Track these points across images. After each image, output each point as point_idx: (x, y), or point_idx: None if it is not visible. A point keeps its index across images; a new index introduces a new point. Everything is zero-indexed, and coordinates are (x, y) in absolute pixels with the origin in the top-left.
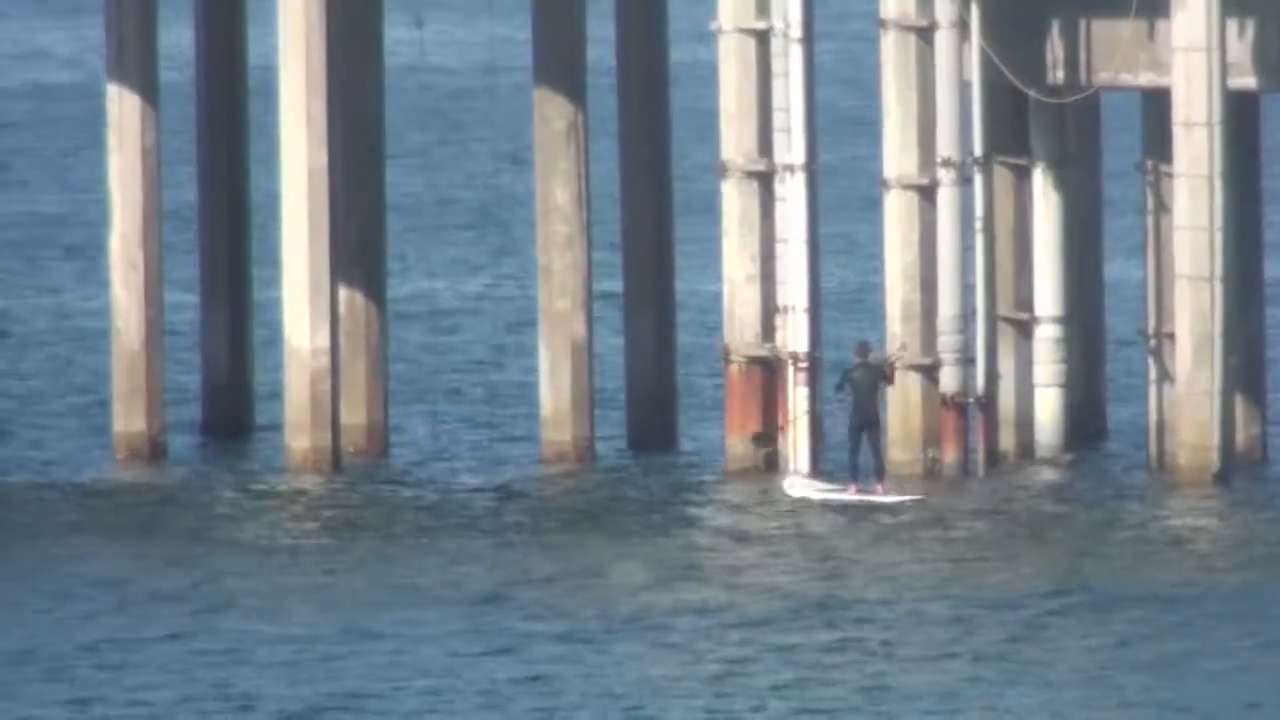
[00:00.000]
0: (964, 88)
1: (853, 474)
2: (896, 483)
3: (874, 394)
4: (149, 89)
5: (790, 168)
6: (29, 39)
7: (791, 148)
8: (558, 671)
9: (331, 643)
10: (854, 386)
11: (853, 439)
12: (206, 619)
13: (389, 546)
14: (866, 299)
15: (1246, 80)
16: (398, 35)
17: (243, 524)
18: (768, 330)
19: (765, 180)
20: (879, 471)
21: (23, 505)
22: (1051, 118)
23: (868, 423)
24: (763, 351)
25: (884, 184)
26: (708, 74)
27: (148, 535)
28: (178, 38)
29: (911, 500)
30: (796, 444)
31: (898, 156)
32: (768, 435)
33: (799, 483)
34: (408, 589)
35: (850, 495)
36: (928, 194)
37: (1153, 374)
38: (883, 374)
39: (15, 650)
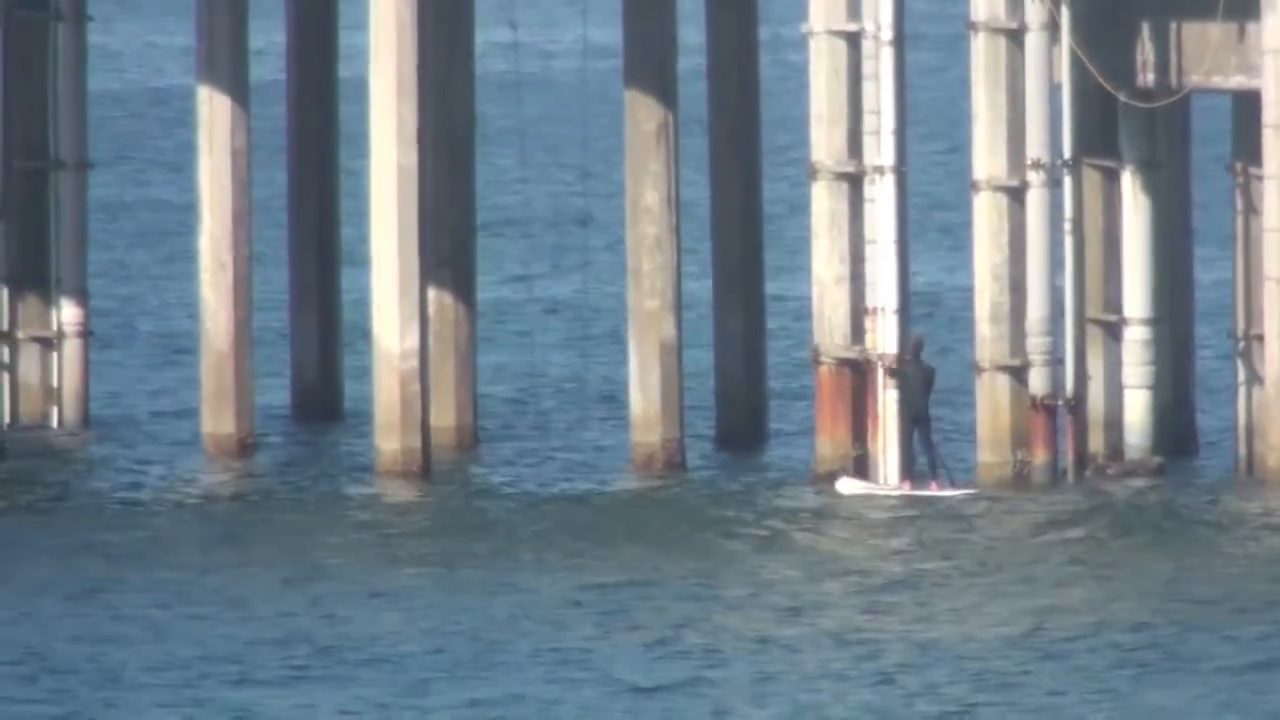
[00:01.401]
0: (1054, 90)
1: (904, 469)
2: (979, 485)
3: (925, 391)
4: (239, 90)
5: (880, 169)
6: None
7: (881, 150)
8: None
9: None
10: (905, 382)
11: (904, 434)
12: (310, 626)
13: (483, 550)
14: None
15: None
16: (490, 37)
17: (333, 527)
18: (857, 332)
19: (855, 182)
20: (932, 467)
21: (112, 509)
22: (1141, 120)
23: (918, 418)
24: (852, 353)
25: (973, 185)
26: (796, 79)
27: (238, 539)
28: (269, 39)
29: (964, 494)
30: (886, 446)
31: (987, 158)
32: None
33: (851, 482)
34: (507, 593)
35: (905, 490)
36: (1017, 195)
37: (1241, 376)
38: (933, 373)
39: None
